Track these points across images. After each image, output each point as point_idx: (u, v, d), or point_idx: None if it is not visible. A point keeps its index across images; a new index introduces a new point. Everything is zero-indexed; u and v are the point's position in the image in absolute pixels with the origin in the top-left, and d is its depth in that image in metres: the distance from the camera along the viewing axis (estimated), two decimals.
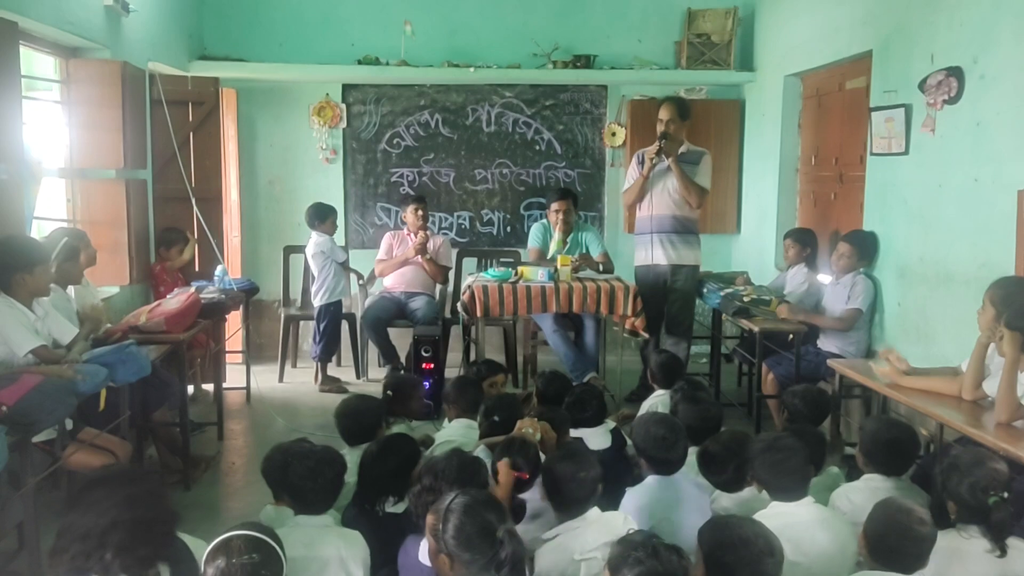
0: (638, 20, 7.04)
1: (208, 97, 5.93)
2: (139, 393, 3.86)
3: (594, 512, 2.71)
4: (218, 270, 5.34)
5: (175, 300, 4.39)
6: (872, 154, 4.90)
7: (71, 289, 4.11)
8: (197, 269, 5.74)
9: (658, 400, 4.31)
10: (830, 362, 4.27)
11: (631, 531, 2.28)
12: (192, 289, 4.74)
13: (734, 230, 7.21)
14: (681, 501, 2.96)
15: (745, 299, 5.15)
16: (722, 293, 5.42)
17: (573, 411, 3.69)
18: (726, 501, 3.09)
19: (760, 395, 5.06)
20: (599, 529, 2.64)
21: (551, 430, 3.35)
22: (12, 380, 2.89)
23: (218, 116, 6.05)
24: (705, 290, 5.75)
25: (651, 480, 3.07)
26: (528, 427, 3.30)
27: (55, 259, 3.76)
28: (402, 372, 6.23)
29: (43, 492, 3.20)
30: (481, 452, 3.34)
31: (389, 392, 4.07)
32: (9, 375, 2.99)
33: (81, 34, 4.73)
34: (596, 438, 3.66)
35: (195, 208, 5.62)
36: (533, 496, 2.94)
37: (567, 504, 2.71)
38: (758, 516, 2.70)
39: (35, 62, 4.79)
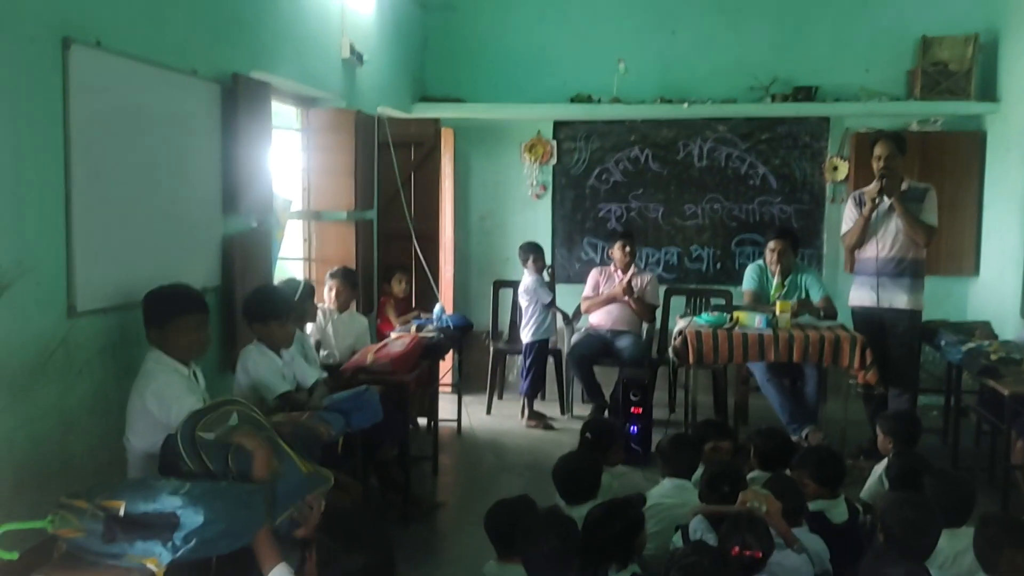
0: (866, 49, 6.66)
1: (428, 138, 6.16)
2: (368, 433, 4.02)
3: None
4: (436, 308, 5.51)
5: (399, 342, 4.57)
6: None
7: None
8: (414, 305, 5.98)
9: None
10: None
11: None
12: (413, 329, 4.94)
13: (971, 272, 6.62)
14: None
15: (992, 357, 4.68)
16: (964, 348, 4.96)
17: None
18: None
19: (1008, 465, 4.58)
20: None
21: (775, 500, 3.18)
22: None
23: (438, 155, 6.27)
24: (943, 342, 5.30)
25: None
26: (753, 500, 3.14)
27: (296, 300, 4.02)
28: (605, 412, 6.20)
29: None
30: (698, 522, 3.21)
31: (588, 435, 4.02)
32: None
33: (320, 86, 5.06)
34: (836, 510, 3.42)
35: (415, 245, 5.86)
36: None
37: None
38: None
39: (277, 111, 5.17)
